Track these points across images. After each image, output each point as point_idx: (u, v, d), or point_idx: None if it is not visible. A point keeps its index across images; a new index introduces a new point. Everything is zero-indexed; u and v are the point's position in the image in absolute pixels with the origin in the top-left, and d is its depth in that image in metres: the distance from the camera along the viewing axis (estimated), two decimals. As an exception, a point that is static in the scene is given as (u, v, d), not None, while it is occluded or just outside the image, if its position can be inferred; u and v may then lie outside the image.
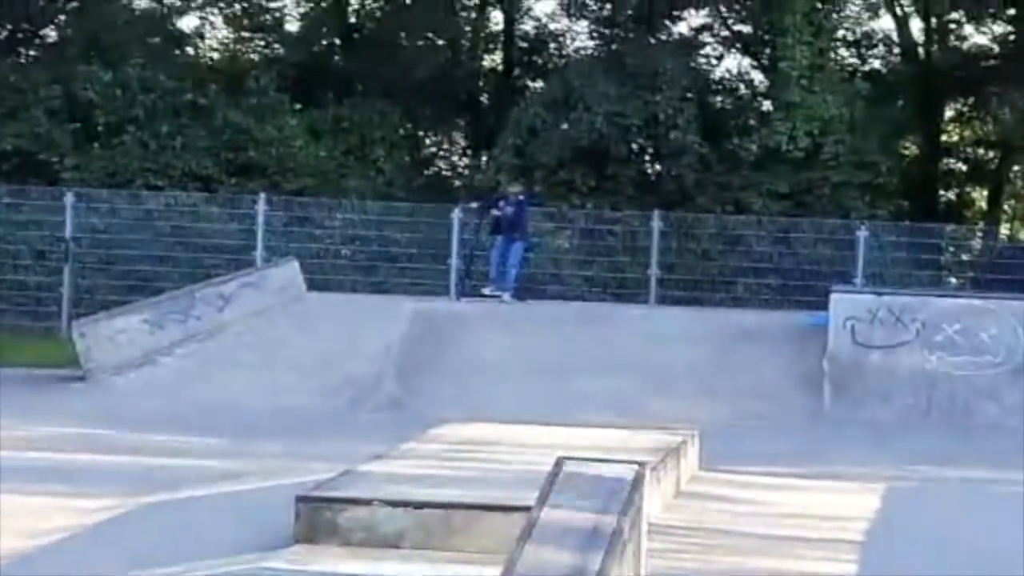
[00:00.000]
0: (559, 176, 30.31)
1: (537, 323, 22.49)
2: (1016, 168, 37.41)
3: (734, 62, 34.87)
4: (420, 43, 35.62)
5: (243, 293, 22.48)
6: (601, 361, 20.85)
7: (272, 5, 36.17)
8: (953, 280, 29.65)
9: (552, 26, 36.06)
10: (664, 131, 30.59)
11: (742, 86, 34.08)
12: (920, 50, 35.50)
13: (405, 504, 9.68)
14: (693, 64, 33.25)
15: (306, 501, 9.78)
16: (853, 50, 34.93)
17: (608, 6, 34.17)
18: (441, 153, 36.87)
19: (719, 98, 33.51)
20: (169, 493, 12.24)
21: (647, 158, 31.81)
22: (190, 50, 35.22)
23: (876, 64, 35.47)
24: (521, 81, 35.78)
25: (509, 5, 35.77)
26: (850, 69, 33.92)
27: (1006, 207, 37.74)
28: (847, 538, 11.14)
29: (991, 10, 34.23)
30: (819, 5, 31.31)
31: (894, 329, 20.93)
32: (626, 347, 21.37)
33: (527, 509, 8.16)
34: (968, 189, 37.34)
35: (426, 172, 34.96)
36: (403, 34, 35.28)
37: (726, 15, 34.59)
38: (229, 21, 36.03)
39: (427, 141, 36.32)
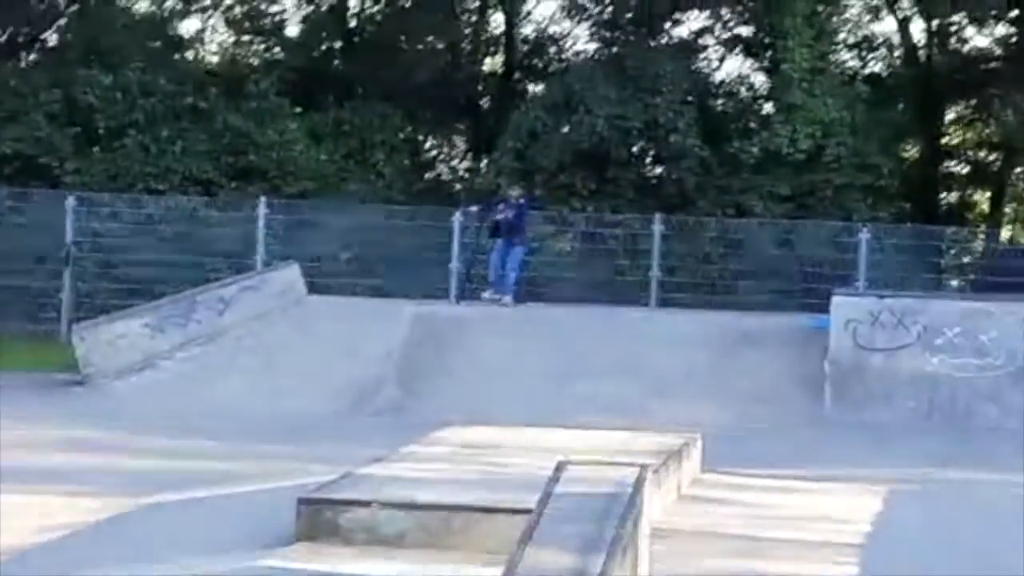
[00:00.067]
0: (560, 179, 30.31)
1: (538, 326, 22.48)
2: (1018, 170, 37.42)
3: (735, 65, 34.95)
4: (420, 47, 35.66)
5: (243, 297, 22.47)
6: (602, 364, 20.84)
7: (272, 9, 36.21)
8: (954, 283, 29.67)
9: (552, 29, 36.13)
10: (665, 134, 30.60)
11: (743, 89, 34.10)
12: (921, 52, 35.52)
13: (406, 506, 9.67)
14: (694, 67, 33.29)
15: (308, 503, 9.78)
16: (854, 52, 34.95)
17: (609, 9, 34.19)
18: (441, 156, 36.93)
19: (720, 101, 33.53)
20: (170, 494, 12.22)
21: (648, 161, 31.84)
22: (190, 54, 35.30)
23: (877, 67, 35.51)
24: (521, 84, 35.82)
25: (509, 8, 35.79)
26: (851, 72, 33.95)
27: (1008, 209, 37.75)
28: (848, 540, 11.12)
29: (993, 12, 34.23)
30: (820, 8, 31.34)
31: (895, 332, 20.91)
32: (627, 350, 21.36)
33: (528, 511, 8.15)
34: (970, 192, 37.38)
35: (426, 176, 35.00)
36: (403, 37, 35.33)
37: (726, 18, 34.61)
38: (229, 25, 36.07)
39: (427, 145, 36.36)
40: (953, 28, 35.56)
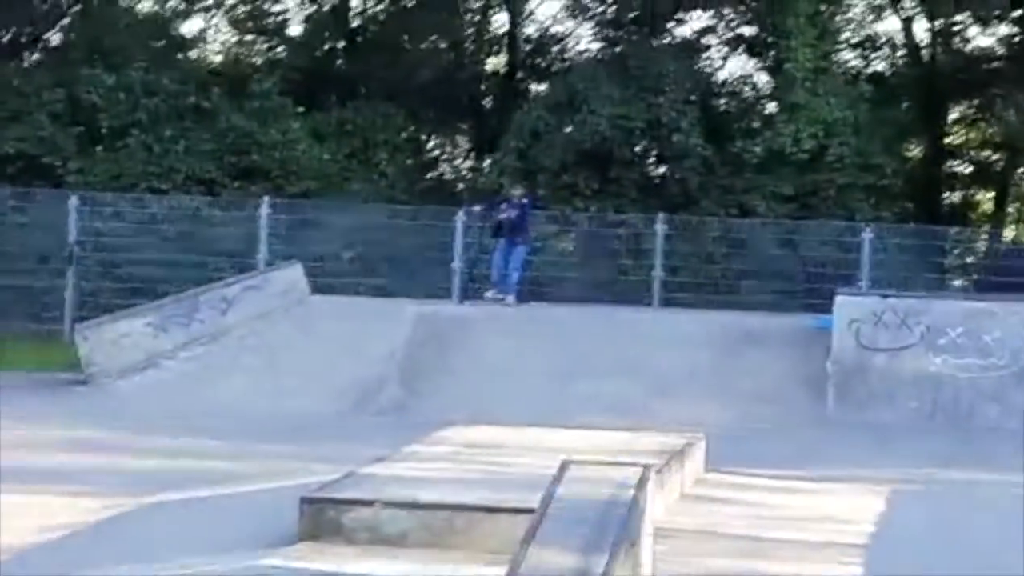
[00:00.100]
0: (562, 179, 30.30)
1: (540, 326, 22.47)
2: (1021, 170, 37.41)
3: (738, 64, 34.94)
4: (423, 46, 35.67)
5: (246, 296, 22.47)
6: (605, 364, 20.83)
7: (275, 9, 36.22)
8: (958, 283, 29.65)
9: (555, 29, 36.13)
10: (668, 134, 30.59)
11: (746, 88, 34.10)
12: (924, 52, 35.51)
13: (409, 505, 9.67)
14: (697, 67, 33.29)
15: (310, 502, 9.77)
16: (857, 52, 34.95)
17: (612, 8, 34.19)
18: (444, 156, 36.93)
19: (723, 100, 33.53)
20: (172, 493, 12.21)
21: (651, 161, 31.83)
22: (193, 54, 35.29)
23: (880, 66, 35.51)
24: (524, 84, 35.82)
25: (512, 7, 35.79)
26: (854, 71, 33.95)
27: (1011, 209, 37.74)
28: (851, 541, 11.11)
29: (996, 12, 34.22)
30: (823, 7, 31.32)
31: (899, 332, 20.89)
32: (630, 350, 21.35)
33: (531, 511, 8.14)
34: (973, 191, 37.37)
35: (429, 175, 35.00)
36: (406, 37, 35.32)
37: (729, 17, 34.61)
38: (232, 25, 36.08)
39: (430, 144, 36.36)
40: (956, 28, 35.56)
